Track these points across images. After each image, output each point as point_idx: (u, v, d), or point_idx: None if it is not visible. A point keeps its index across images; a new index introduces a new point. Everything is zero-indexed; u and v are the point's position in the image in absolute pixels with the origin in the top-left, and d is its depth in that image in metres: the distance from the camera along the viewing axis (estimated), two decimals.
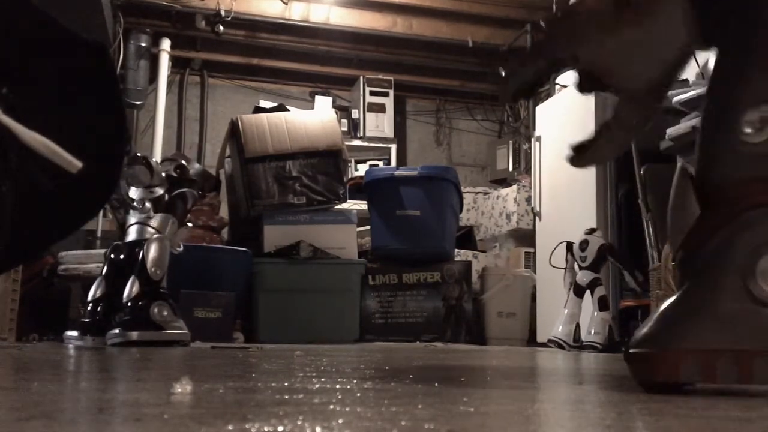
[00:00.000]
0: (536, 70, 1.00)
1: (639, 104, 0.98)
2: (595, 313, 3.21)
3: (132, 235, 2.85)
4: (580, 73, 0.98)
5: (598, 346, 3.11)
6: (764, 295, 0.82)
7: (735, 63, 0.91)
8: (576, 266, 3.32)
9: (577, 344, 3.20)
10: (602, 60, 0.94)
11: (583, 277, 3.27)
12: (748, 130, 0.85)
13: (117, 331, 2.62)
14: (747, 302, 0.82)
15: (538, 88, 1.04)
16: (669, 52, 0.94)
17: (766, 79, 0.87)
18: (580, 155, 1.09)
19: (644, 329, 0.91)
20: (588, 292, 3.26)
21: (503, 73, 1.03)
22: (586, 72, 0.98)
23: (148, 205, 2.86)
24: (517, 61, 1.05)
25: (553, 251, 3.45)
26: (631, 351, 0.91)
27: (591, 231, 3.35)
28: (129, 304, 2.66)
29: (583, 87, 1.01)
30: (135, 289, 2.67)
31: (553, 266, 3.44)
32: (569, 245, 3.35)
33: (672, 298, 0.91)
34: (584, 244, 3.29)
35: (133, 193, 2.85)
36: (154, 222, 2.85)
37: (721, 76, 0.92)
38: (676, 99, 3.26)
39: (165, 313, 2.67)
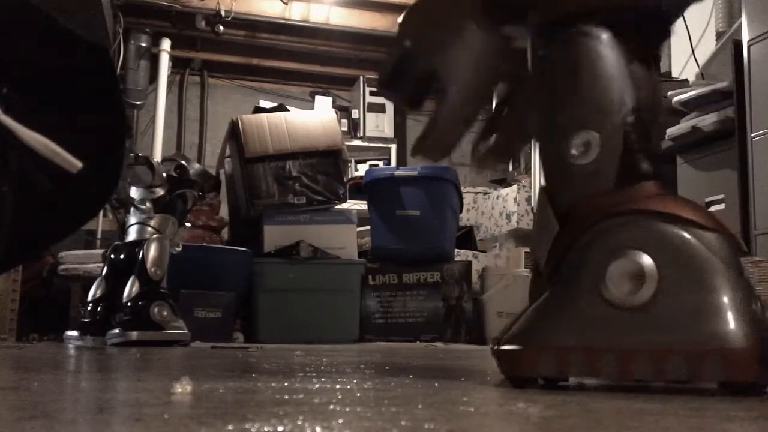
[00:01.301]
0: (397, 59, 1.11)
1: (471, 101, 1.10)
2: None
3: (132, 235, 2.85)
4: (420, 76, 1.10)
5: None
6: (613, 297, 0.88)
7: (547, 99, 1.02)
8: None
9: None
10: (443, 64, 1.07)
11: None
12: (575, 153, 0.94)
13: (117, 331, 2.62)
14: (599, 304, 0.89)
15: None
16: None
17: (584, 107, 0.97)
18: (418, 145, 1.20)
19: (511, 329, 0.98)
20: None
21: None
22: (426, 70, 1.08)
23: (148, 205, 2.86)
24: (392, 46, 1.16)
25: None
26: (497, 348, 0.98)
27: None
28: (129, 304, 2.66)
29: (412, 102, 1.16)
30: (135, 289, 2.67)
31: None
32: None
33: (537, 302, 0.98)
34: None
35: (134, 193, 2.85)
36: (154, 222, 2.85)
37: (549, 104, 1.02)
38: (676, 99, 3.26)
39: (165, 313, 2.67)
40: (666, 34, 1.05)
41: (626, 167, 0.93)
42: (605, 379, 0.91)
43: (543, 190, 1.00)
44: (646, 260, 0.86)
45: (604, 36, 0.97)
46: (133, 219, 2.88)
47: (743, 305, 0.84)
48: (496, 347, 0.98)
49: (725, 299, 0.84)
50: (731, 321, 0.83)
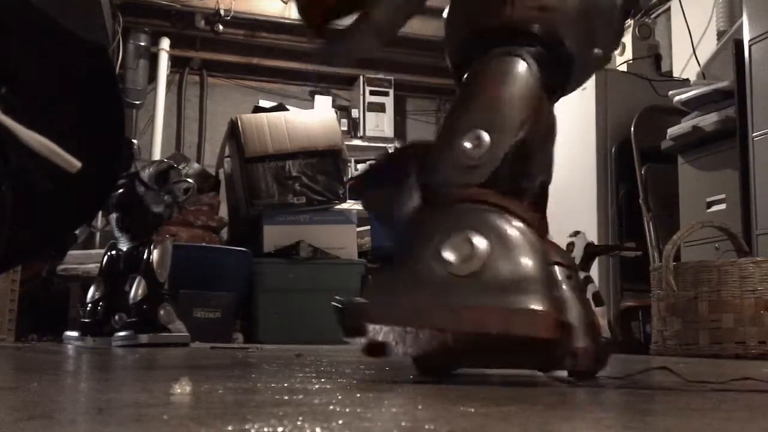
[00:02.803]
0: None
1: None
2: (594, 310, 3.23)
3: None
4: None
5: (603, 339, 3.11)
6: (449, 265, 1.01)
7: (461, 96, 1.18)
8: None
9: None
10: None
11: None
12: (468, 146, 1.08)
13: (125, 333, 2.62)
14: (438, 270, 1.02)
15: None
16: None
17: (479, 110, 1.12)
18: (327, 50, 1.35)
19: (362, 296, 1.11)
20: None
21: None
22: None
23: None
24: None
25: None
26: (341, 306, 1.09)
27: (575, 233, 3.37)
28: (135, 305, 2.66)
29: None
30: (141, 291, 2.68)
31: None
32: None
33: (387, 266, 1.13)
34: (570, 247, 3.31)
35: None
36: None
37: (454, 105, 1.20)
38: (677, 99, 3.26)
39: (171, 315, 2.69)
40: (567, 78, 1.21)
41: (495, 174, 1.07)
42: (435, 330, 1.04)
43: (419, 169, 1.14)
44: (479, 239, 1.02)
45: (524, 59, 1.12)
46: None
47: (548, 280, 1.03)
48: (341, 303, 1.09)
49: (533, 275, 1.01)
50: (535, 290, 1.00)
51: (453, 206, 1.07)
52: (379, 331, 1.05)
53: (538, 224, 1.08)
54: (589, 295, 3.25)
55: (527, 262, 1.01)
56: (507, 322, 0.98)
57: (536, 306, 0.98)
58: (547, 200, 1.25)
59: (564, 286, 1.12)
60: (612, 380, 1.10)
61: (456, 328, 1.02)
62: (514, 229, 1.03)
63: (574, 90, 1.27)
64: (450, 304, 1.00)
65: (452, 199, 1.07)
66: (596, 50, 1.20)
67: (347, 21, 1.31)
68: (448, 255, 1.01)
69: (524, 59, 1.12)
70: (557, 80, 1.19)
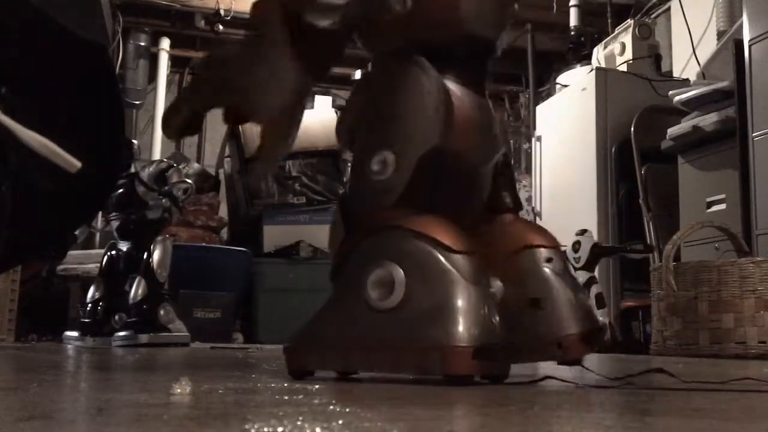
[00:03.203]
0: (191, 108, 1.18)
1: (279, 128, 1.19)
2: (595, 311, 3.23)
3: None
4: (226, 109, 1.16)
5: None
6: (370, 301, 1.02)
7: (369, 117, 1.15)
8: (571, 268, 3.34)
9: None
10: (244, 98, 1.14)
11: (579, 277, 3.29)
12: (375, 168, 1.07)
13: (125, 333, 2.62)
14: (360, 307, 1.03)
15: (197, 124, 1.19)
16: (291, 84, 1.17)
17: (386, 131, 1.10)
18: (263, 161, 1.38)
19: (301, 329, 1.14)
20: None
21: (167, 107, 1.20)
22: (232, 108, 1.16)
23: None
24: (177, 98, 1.25)
25: None
26: (285, 345, 1.15)
27: (582, 232, 3.37)
28: (135, 305, 2.66)
29: (228, 119, 1.19)
30: (142, 291, 2.68)
31: None
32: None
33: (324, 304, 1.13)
34: (577, 245, 3.31)
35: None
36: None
37: (364, 127, 1.16)
38: (677, 99, 3.26)
39: (171, 315, 2.69)
40: (484, 69, 1.17)
41: (410, 190, 1.05)
42: (359, 370, 1.09)
43: (340, 198, 1.16)
44: (398, 271, 1.01)
45: (419, 66, 1.09)
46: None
47: (471, 313, 0.98)
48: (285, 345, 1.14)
49: (455, 306, 0.98)
50: (455, 324, 0.97)
51: (370, 236, 1.06)
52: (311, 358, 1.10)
53: (462, 245, 1.04)
54: (592, 296, 3.25)
55: (443, 291, 0.99)
56: (422, 360, 0.99)
57: (452, 341, 0.96)
58: (512, 178, 1.20)
59: (547, 273, 1.09)
60: (609, 381, 1.09)
61: (373, 369, 1.05)
62: (429, 255, 1.01)
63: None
64: (367, 344, 1.02)
65: (369, 227, 1.07)
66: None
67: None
68: (369, 290, 1.02)
69: (420, 65, 1.09)
70: (480, 73, 1.16)
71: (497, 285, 1.07)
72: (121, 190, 2.81)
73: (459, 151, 1.10)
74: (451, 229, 1.04)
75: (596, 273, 3.47)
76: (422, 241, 1.01)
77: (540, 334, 1.08)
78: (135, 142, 3.03)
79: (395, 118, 1.10)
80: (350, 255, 1.09)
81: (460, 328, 0.96)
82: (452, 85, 1.10)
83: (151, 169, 2.87)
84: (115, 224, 2.85)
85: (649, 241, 3.49)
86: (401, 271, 1.00)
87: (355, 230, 1.10)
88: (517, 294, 1.08)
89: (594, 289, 3.26)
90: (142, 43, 5.61)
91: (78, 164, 1.30)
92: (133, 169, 2.89)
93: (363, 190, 1.10)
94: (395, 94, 1.10)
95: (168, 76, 5.91)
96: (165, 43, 5.79)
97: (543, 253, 1.11)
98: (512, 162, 1.25)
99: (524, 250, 1.11)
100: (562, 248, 1.17)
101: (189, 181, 2.99)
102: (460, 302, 0.98)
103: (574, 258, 3.30)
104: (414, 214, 1.05)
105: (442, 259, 1.00)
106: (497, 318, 1.01)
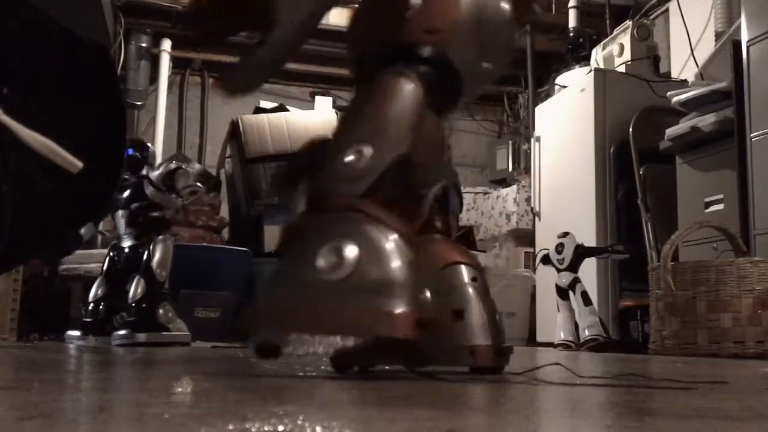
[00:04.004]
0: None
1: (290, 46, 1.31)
2: (583, 309, 3.25)
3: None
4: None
5: (599, 338, 3.12)
6: (324, 273, 1.08)
7: (349, 111, 1.26)
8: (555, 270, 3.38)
9: (580, 343, 3.21)
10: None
11: (563, 278, 3.31)
12: (352, 158, 1.14)
13: (124, 332, 2.62)
14: (313, 278, 1.09)
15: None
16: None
17: (363, 125, 1.19)
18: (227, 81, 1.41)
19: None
20: (570, 292, 3.30)
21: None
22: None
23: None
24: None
25: (537, 262, 3.50)
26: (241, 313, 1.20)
27: (564, 234, 3.39)
28: (134, 305, 2.66)
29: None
30: (140, 290, 2.68)
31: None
32: (542, 259, 3.40)
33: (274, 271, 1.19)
34: (560, 248, 3.34)
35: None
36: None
37: (342, 119, 1.27)
38: (675, 99, 3.26)
39: (170, 315, 2.69)
40: (457, 94, 1.28)
41: (374, 185, 1.14)
42: (308, 333, 1.12)
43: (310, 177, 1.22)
44: (350, 246, 1.09)
45: (410, 79, 1.18)
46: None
47: (410, 286, 1.08)
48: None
49: (397, 279, 1.07)
50: (397, 294, 1.06)
51: (333, 214, 1.14)
52: (267, 334, 1.14)
53: (403, 227, 1.14)
54: (577, 295, 3.27)
55: (393, 268, 1.08)
56: (367, 323, 1.06)
57: (397, 308, 1.04)
58: (447, 206, 1.34)
59: (469, 290, 1.20)
60: (510, 375, 1.16)
61: (323, 330, 1.11)
62: (385, 238, 1.10)
63: (469, 99, 1.35)
64: (319, 308, 1.08)
65: (333, 207, 1.15)
66: (485, 65, 1.27)
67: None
68: (322, 261, 1.08)
69: (410, 79, 1.18)
70: (447, 97, 1.26)
71: (426, 295, 1.15)
72: (129, 191, 2.82)
73: (419, 165, 1.20)
74: (403, 221, 1.14)
75: (592, 272, 3.48)
76: (376, 224, 1.11)
77: (456, 342, 1.18)
78: (150, 145, 3.03)
79: (376, 118, 1.18)
80: (306, 229, 1.17)
81: (401, 298, 1.06)
82: (426, 106, 1.20)
83: (160, 170, 2.88)
84: (123, 220, 2.85)
85: (647, 241, 3.49)
86: (354, 246, 1.08)
87: (315, 209, 1.18)
88: (442, 305, 1.17)
89: (578, 289, 3.29)
90: (144, 44, 5.61)
91: (79, 164, 1.30)
92: (144, 172, 2.90)
93: (334, 174, 1.17)
94: (380, 97, 1.19)
95: (169, 77, 5.91)
96: (166, 44, 5.79)
97: (467, 271, 1.22)
98: (461, 195, 1.39)
99: (451, 267, 1.22)
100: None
101: (200, 185, 3.00)
102: (405, 277, 1.08)
103: (558, 260, 3.32)
104: (372, 203, 1.14)
105: (393, 239, 1.10)
106: (430, 297, 1.14)
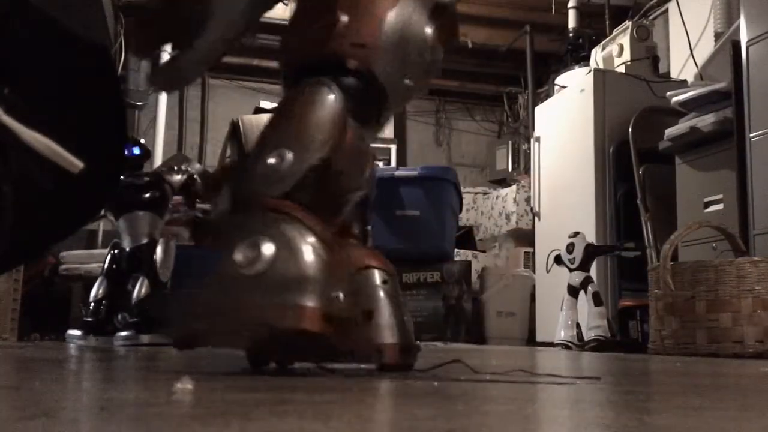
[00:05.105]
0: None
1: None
2: (593, 309, 3.25)
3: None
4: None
5: (602, 338, 3.13)
6: (242, 268, 1.14)
7: (274, 117, 1.33)
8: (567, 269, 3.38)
9: (581, 343, 3.22)
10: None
11: (575, 278, 3.32)
12: (273, 161, 1.21)
13: (127, 333, 2.62)
14: (233, 273, 1.14)
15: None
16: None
17: (285, 131, 1.26)
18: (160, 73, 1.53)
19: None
20: (581, 292, 3.30)
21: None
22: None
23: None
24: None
25: (547, 263, 3.50)
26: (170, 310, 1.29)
27: (575, 234, 3.39)
28: (138, 305, 2.66)
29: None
30: (144, 291, 2.68)
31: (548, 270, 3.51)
32: (557, 258, 3.40)
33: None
34: (570, 247, 3.34)
35: None
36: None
37: (267, 125, 1.32)
38: (674, 100, 3.27)
39: None
40: (380, 107, 1.34)
41: (296, 188, 1.20)
42: (222, 326, 1.17)
43: (232, 176, 1.31)
44: (267, 243, 1.14)
45: (331, 89, 1.25)
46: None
47: (321, 284, 1.14)
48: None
49: (309, 276, 1.13)
50: (308, 290, 1.12)
51: (254, 213, 1.20)
52: (185, 325, 1.20)
53: (318, 226, 1.20)
54: (589, 295, 3.27)
55: (306, 266, 1.14)
56: (280, 317, 1.12)
57: (307, 303, 1.11)
58: (364, 214, 1.38)
59: (380, 292, 1.25)
60: (414, 373, 1.20)
61: (236, 323, 1.16)
62: (301, 238, 1.16)
63: (390, 117, 1.42)
64: (234, 301, 1.14)
65: (255, 207, 1.20)
66: (407, 81, 1.33)
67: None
68: (239, 256, 1.14)
69: (332, 89, 1.26)
70: (370, 109, 1.32)
71: (339, 295, 1.20)
72: (151, 191, 2.83)
73: (340, 172, 1.26)
74: (321, 223, 1.20)
75: (593, 272, 3.48)
76: (295, 224, 1.17)
77: (365, 340, 1.22)
78: (142, 141, 3.03)
79: (298, 124, 1.25)
80: (229, 226, 1.24)
81: (312, 294, 1.12)
82: (350, 118, 1.27)
83: (178, 177, 2.90)
84: (135, 219, 2.85)
85: (646, 241, 3.49)
86: (271, 244, 1.14)
87: (239, 208, 1.24)
88: (354, 305, 1.21)
89: (590, 288, 3.28)
90: None
91: (79, 164, 1.31)
92: (147, 169, 2.91)
93: (256, 176, 1.23)
94: (302, 104, 1.26)
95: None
96: (167, 44, 5.79)
97: (380, 275, 1.27)
98: (370, 210, 1.43)
99: (364, 270, 1.27)
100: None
101: (207, 207, 3.02)
102: (317, 275, 1.14)
103: (569, 259, 3.32)
104: (293, 205, 1.20)
105: (309, 239, 1.16)
106: (342, 296, 1.18)
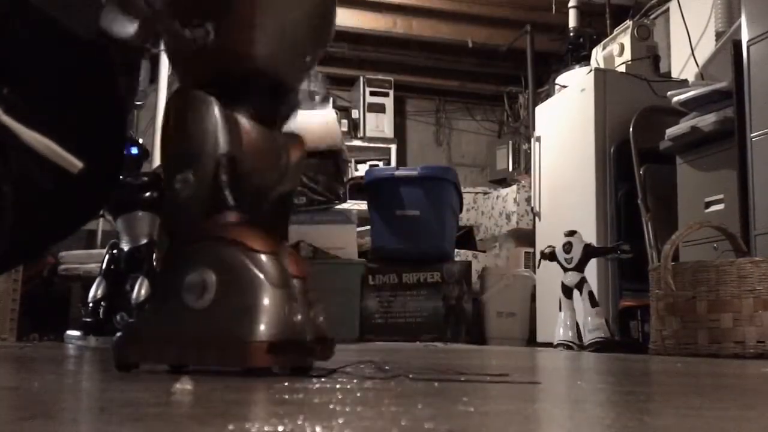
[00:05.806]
0: None
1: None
2: (590, 310, 3.24)
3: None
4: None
5: (602, 338, 3.12)
6: (188, 302, 1.14)
7: (169, 142, 1.27)
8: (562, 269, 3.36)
9: (582, 343, 3.21)
10: None
11: (570, 278, 3.29)
12: (178, 187, 1.19)
13: None
14: (179, 308, 1.14)
15: None
16: None
17: (182, 154, 1.23)
18: None
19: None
20: (576, 292, 3.28)
21: None
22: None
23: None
24: None
25: (539, 261, 3.49)
26: (113, 340, 1.25)
27: (571, 233, 3.37)
28: (138, 306, 2.66)
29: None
30: (144, 291, 2.68)
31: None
32: (544, 254, 3.38)
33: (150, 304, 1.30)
34: (567, 246, 3.31)
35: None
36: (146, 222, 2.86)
37: (165, 144, 1.29)
38: (675, 99, 3.26)
39: None
40: (282, 105, 1.35)
41: (215, 201, 1.20)
42: (180, 364, 1.20)
43: (163, 212, 1.29)
44: (210, 275, 1.13)
45: (210, 96, 1.22)
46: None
47: (272, 311, 1.12)
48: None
49: (257, 306, 1.11)
50: (255, 322, 1.10)
51: (188, 244, 1.19)
52: (131, 356, 1.21)
53: (272, 240, 1.19)
54: (584, 295, 3.26)
55: (249, 293, 1.12)
56: (223, 354, 1.12)
57: (248, 337, 1.10)
58: (287, 212, 1.39)
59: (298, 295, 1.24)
60: (324, 372, 1.20)
61: (184, 363, 1.18)
62: (238, 260, 1.14)
63: (295, 100, 1.40)
64: (181, 339, 1.15)
65: (187, 237, 1.20)
66: (314, 89, 1.37)
67: None
68: (186, 292, 1.13)
69: (200, 99, 1.22)
70: (272, 109, 1.32)
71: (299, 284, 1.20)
72: (149, 193, 2.83)
73: (249, 172, 1.25)
74: (257, 233, 1.19)
75: (593, 272, 3.48)
76: (233, 247, 1.15)
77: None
78: (141, 141, 3.03)
79: (186, 143, 1.23)
80: (172, 262, 1.22)
81: (259, 326, 1.10)
82: (242, 117, 1.25)
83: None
84: (140, 219, 2.84)
85: (647, 241, 3.49)
86: (213, 275, 1.13)
87: (176, 240, 1.24)
88: (306, 331, 1.20)
89: (585, 289, 3.28)
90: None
91: (79, 164, 1.31)
92: (145, 169, 2.90)
93: (174, 207, 1.23)
94: (184, 122, 1.24)
95: (169, 77, 5.91)
96: None
97: (298, 283, 1.25)
98: (293, 201, 1.44)
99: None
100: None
101: None
102: (263, 302, 1.12)
103: (566, 259, 3.30)
104: (225, 223, 1.19)
105: (250, 264, 1.14)
106: (299, 317, 1.16)
